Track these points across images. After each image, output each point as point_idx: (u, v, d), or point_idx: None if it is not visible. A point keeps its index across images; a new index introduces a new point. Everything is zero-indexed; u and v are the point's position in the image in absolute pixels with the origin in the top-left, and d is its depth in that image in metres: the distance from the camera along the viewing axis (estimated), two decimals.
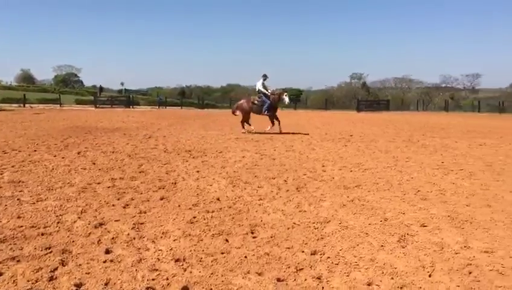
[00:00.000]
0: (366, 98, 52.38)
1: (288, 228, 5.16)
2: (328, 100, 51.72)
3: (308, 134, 17.49)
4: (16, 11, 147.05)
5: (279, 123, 17.42)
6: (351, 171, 9.09)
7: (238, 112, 17.96)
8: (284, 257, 4.22)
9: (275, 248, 4.47)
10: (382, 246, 4.63)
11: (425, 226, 5.34)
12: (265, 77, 17.40)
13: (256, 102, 17.27)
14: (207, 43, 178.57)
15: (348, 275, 3.85)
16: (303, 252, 4.39)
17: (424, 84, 63.70)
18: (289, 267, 3.98)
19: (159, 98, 59.70)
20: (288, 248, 4.48)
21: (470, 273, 3.94)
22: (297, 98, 58.60)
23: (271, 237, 4.83)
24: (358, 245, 4.64)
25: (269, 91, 17.18)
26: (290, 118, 28.66)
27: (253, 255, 4.25)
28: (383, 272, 3.91)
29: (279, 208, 6.06)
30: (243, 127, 17.64)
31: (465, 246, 4.64)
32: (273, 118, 17.39)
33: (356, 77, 64.65)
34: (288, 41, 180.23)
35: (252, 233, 4.94)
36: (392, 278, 3.80)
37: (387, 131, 19.30)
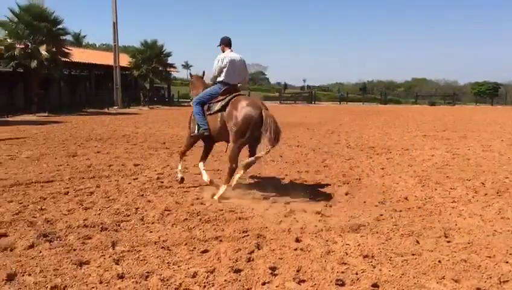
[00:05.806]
0: None
1: (488, 235, 4.66)
2: None
3: (509, 132, 15.49)
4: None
5: None
6: None
7: None
8: (484, 266, 3.81)
9: (473, 255, 4.07)
10: None
11: None
12: None
13: None
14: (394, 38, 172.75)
15: None
16: (507, 263, 3.90)
17: None
18: (490, 277, 3.58)
19: (340, 93, 60.08)
20: (489, 257, 4.03)
21: None
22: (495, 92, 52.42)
23: (468, 243, 4.41)
24: None
25: None
26: (485, 115, 25.75)
27: (448, 260, 3.94)
28: None
29: (476, 213, 5.51)
30: None
31: None
32: None
33: None
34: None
35: (446, 237, 4.59)
36: None
37: None
